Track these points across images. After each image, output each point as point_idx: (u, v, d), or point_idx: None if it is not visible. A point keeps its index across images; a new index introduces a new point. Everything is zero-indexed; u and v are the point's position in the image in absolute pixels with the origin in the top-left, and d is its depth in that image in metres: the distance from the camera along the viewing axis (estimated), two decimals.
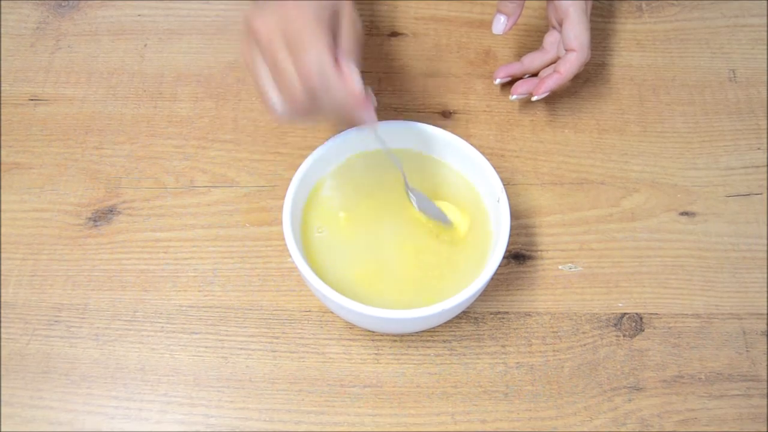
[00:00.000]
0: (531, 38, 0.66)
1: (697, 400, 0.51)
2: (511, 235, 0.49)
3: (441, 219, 0.50)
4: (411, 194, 0.50)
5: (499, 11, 0.58)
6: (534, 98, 0.58)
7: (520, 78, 0.62)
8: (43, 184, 0.58)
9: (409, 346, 0.52)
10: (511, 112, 0.62)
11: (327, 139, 0.51)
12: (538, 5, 0.67)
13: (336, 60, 0.41)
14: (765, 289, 0.55)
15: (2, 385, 0.50)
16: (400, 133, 0.53)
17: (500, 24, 0.58)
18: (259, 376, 0.51)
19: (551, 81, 0.57)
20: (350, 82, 0.41)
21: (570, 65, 0.57)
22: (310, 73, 0.40)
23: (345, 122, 0.46)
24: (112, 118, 0.61)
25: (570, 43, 0.57)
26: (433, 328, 0.53)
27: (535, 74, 0.62)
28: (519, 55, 0.65)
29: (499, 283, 0.55)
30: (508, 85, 0.63)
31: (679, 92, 0.64)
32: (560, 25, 0.58)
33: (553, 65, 0.60)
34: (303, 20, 0.41)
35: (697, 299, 0.54)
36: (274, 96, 0.43)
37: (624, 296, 0.54)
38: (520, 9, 0.57)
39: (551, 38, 0.61)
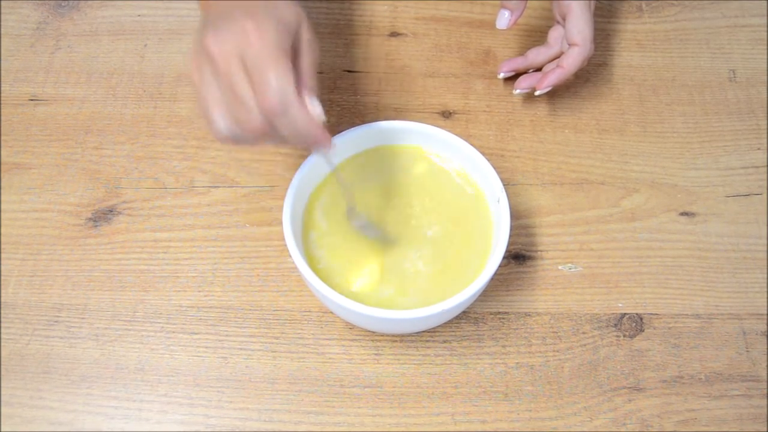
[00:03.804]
0: (532, 38, 0.66)
1: (697, 401, 0.51)
2: (511, 235, 0.49)
3: (380, 238, 0.50)
4: (353, 217, 0.49)
5: (503, 6, 0.58)
6: (537, 93, 0.58)
7: (524, 72, 0.62)
8: (43, 184, 0.58)
9: (409, 346, 0.52)
10: (511, 112, 0.62)
11: None
12: (539, 5, 0.67)
13: (297, 88, 0.41)
14: (765, 289, 0.55)
15: (2, 385, 0.50)
16: (400, 133, 0.53)
17: (504, 19, 0.58)
18: (259, 376, 0.51)
19: (554, 76, 0.58)
20: (311, 110, 0.41)
21: (573, 60, 0.57)
22: (271, 98, 0.40)
23: (297, 147, 0.45)
24: (112, 118, 0.61)
25: (573, 37, 0.57)
26: (433, 328, 0.53)
27: (539, 69, 0.62)
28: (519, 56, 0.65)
29: (499, 283, 0.55)
30: (509, 83, 0.63)
31: (679, 92, 0.64)
32: (564, 20, 0.58)
33: (556, 60, 0.60)
34: (263, 45, 0.40)
35: (697, 299, 0.54)
36: (219, 118, 0.42)
37: (624, 296, 0.54)
38: (523, 4, 0.58)
39: (556, 33, 0.61)
